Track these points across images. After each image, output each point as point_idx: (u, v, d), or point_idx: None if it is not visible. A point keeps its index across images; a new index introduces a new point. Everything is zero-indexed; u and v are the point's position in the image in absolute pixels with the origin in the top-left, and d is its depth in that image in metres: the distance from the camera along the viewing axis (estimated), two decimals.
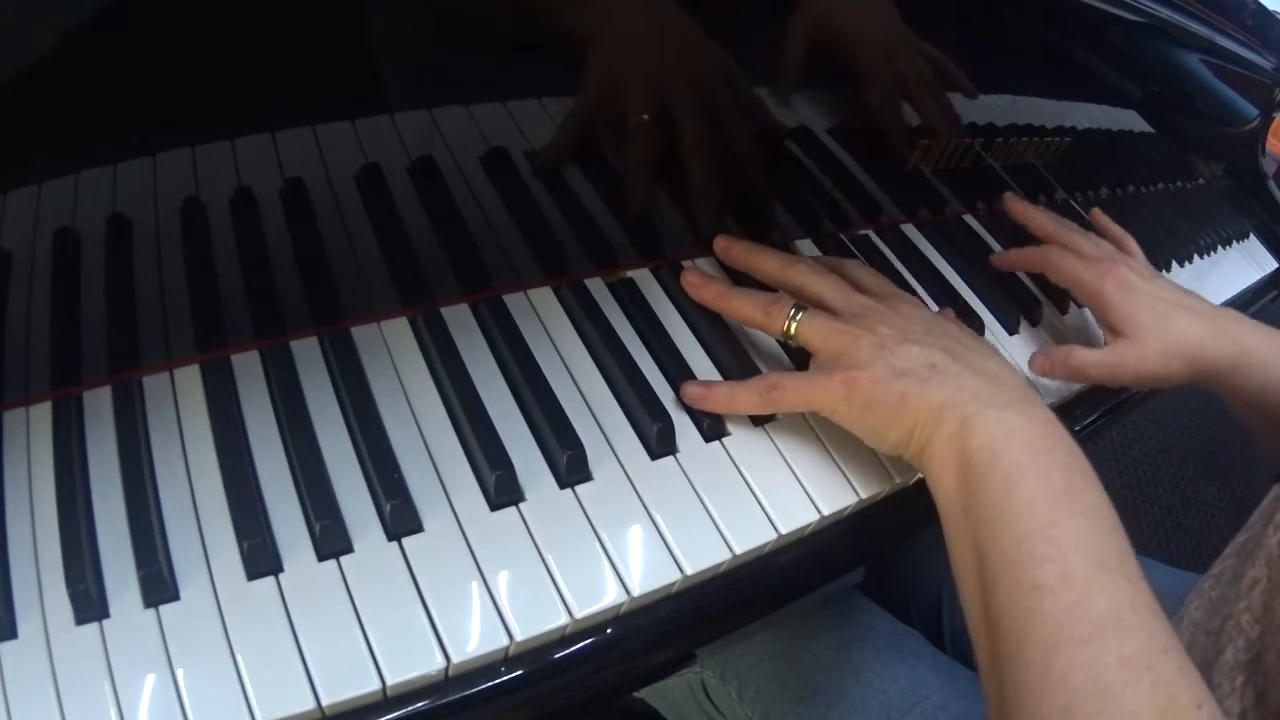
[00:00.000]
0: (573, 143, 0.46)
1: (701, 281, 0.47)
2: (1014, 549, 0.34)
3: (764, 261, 0.47)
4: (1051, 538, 0.34)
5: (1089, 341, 0.60)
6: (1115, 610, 0.32)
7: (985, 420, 0.37)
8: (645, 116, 0.45)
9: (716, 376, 0.46)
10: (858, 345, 0.41)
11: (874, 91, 0.56)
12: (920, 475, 0.44)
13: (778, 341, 0.47)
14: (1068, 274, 0.55)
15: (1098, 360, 0.52)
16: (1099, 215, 0.64)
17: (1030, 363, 0.54)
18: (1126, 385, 0.55)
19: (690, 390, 0.43)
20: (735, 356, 0.47)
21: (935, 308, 0.55)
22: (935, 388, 0.39)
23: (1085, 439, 0.59)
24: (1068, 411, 0.58)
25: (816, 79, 0.54)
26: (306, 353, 0.41)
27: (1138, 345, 0.51)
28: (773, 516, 0.41)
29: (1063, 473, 0.36)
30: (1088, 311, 0.64)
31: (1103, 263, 0.55)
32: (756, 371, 0.46)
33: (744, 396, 0.42)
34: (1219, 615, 0.44)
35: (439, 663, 0.33)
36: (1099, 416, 0.60)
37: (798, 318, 0.43)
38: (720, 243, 0.50)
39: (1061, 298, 0.63)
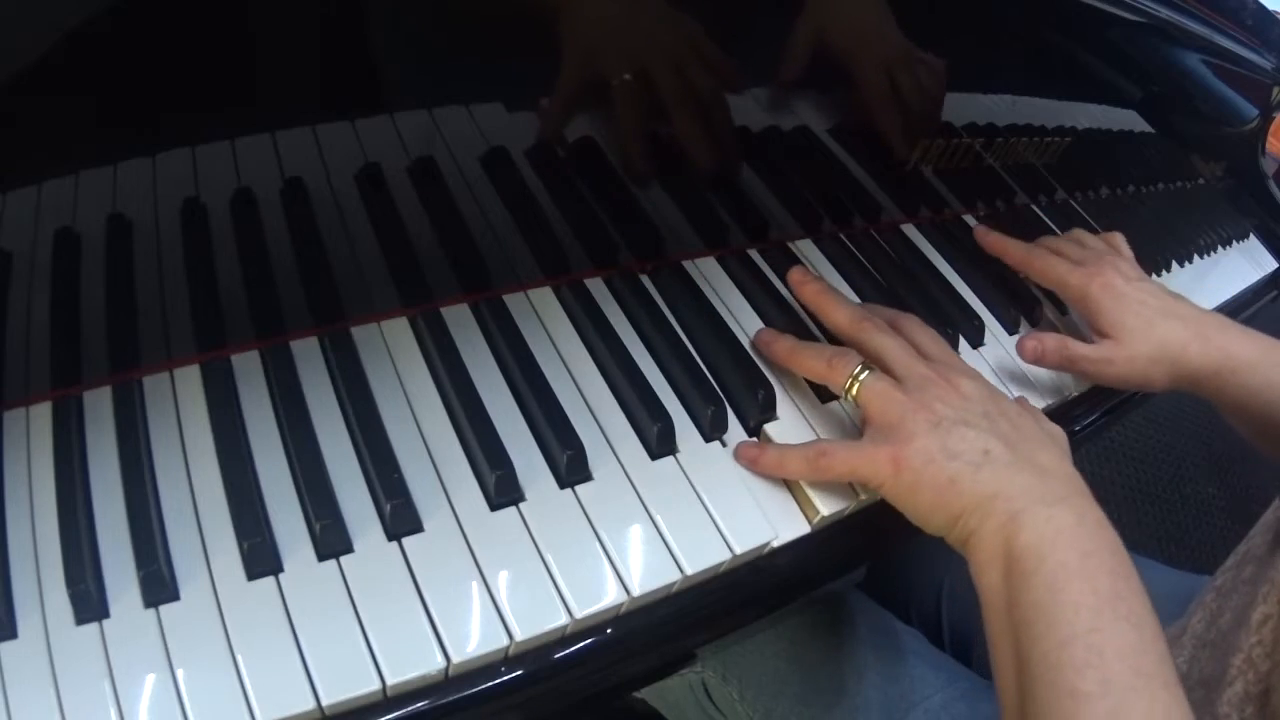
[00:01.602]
0: (564, 118, 0.45)
1: (772, 338, 0.47)
2: (1055, 653, 0.33)
3: (834, 311, 0.47)
4: (1094, 644, 0.33)
5: (1087, 340, 0.60)
6: (1157, 711, 0.32)
7: (1034, 517, 0.36)
8: (626, 76, 0.44)
9: (716, 380, 0.46)
10: (915, 420, 0.40)
11: (868, 98, 0.56)
12: None
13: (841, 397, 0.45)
14: (1052, 276, 0.55)
15: (1085, 354, 0.52)
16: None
17: (1019, 346, 0.54)
18: (1111, 385, 0.55)
19: (745, 451, 0.43)
20: (735, 357, 0.47)
21: (946, 299, 0.56)
22: (987, 476, 0.38)
23: (1085, 439, 0.59)
24: (1067, 411, 0.58)
25: (817, 80, 0.54)
26: (306, 353, 0.41)
27: (1122, 347, 0.52)
28: (771, 517, 0.41)
29: (1109, 577, 0.35)
30: None
31: (1089, 266, 0.54)
32: (759, 375, 0.46)
33: (794, 462, 0.42)
34: (1215, 628, 0.44)
35: (439, 663, 0.33)
36: (1099, 416, 0.60)
37: (861, 378, 0.42)
38: (795, 275, 0.50)
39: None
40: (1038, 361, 0.54)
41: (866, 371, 0.42)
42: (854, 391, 0.42)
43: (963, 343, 0.55)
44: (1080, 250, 0.57)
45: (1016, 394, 0.54)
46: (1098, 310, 0.53)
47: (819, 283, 0.49)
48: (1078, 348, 0.53)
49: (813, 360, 0.44)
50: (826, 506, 0.42)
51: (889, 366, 0.43)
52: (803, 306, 0.50)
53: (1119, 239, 0.61)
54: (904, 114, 0.58)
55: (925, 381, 0.42)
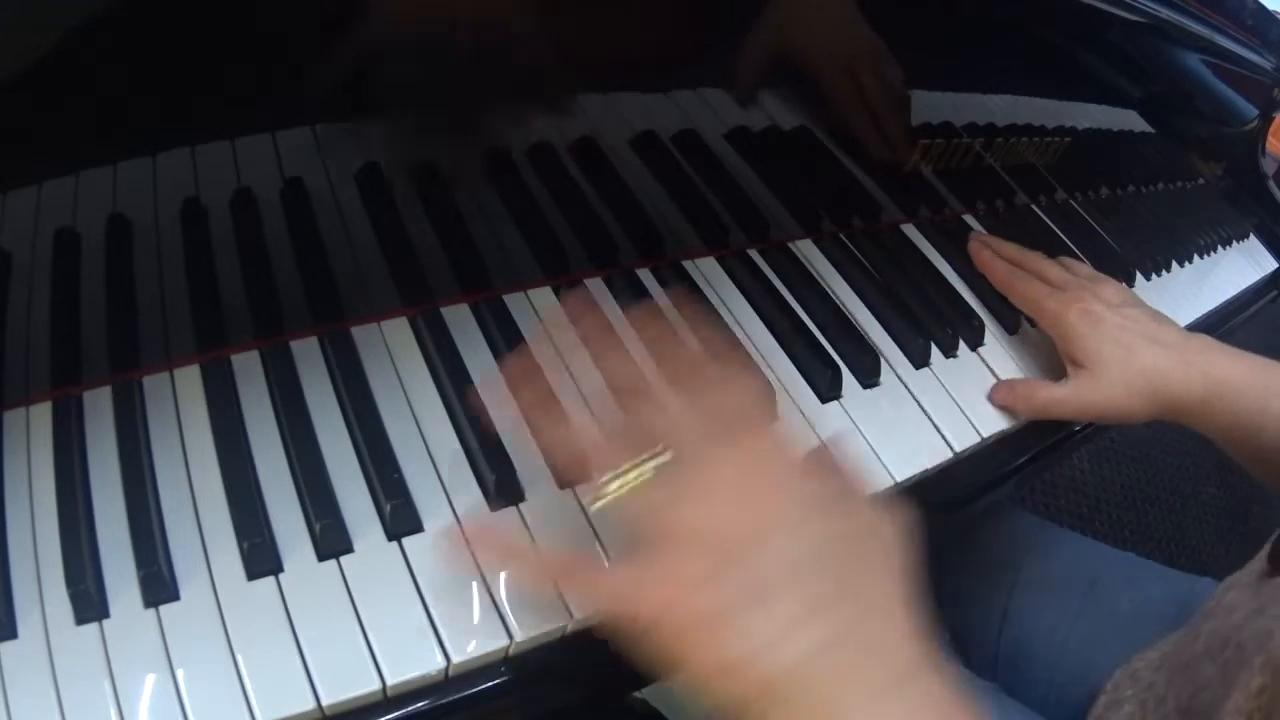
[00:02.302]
0: None
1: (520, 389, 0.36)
2: None
3: (612, 364, 0.35)
4: None
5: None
6: None
7: (854, 714, 0.28)
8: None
9: None
10: (693, 566, 0.30)
11: (834, 101, 0.55)
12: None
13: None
14: (1030, 299, 0.53)
15: (1061, 398, 0.50)
16: None
17: (990, 393, 0.52)
18: (1091, 421, 0.52)
19: (451, 532, 0.35)
20: (736, 359, 0.47)
21: (945, 293, 0.55)
22: (798, 659, 0.28)
23: (1085, 440, 0.59)
24: None
25: (815, 81, 0.54)
26: (306, 353, 0.41)
27: (1099, 379, 0.49)
28: None
29: None
30: None
31: (1068, 290, 0.52)
32: (762, 379, 0.46)
33: (537, 572, 0.34)
34: (1190, 651, 0.41)
35: (439, 663, 0.33)
36: None
37: (612, 487, 0.31)
38: (569, 305, 0.38)
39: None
40: (1008, 409, 0.51)
41: (623, 484, 0.31)
42: (621, 493, 0.31)
43: (962, 344, 0.55)
44: (1063, 274, 0.54)
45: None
46: (1073, 337, 0.50)
47: (593, 317, 0.37)
48: (1051, 392, 0.50)
49: (608, 453, 0.33)
50: None
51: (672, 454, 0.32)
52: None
53: (1098, 274, 0.58)
54: (881, 116, 0.57)
55: (730, 487, 0.31)
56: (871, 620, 0.30)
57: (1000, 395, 0.52)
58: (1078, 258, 0.62)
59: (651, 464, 0.31)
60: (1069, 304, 0.51)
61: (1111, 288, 0.54)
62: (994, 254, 0.58)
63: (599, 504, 0.31)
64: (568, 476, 0.35)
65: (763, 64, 0.50)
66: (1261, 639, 0.36)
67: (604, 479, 0.31)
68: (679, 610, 0.29)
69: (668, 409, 0.32)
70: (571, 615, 0.35)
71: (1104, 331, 0.49)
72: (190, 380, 0.39)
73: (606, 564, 0.34)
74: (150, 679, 0.30)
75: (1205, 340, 0.51)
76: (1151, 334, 0.50)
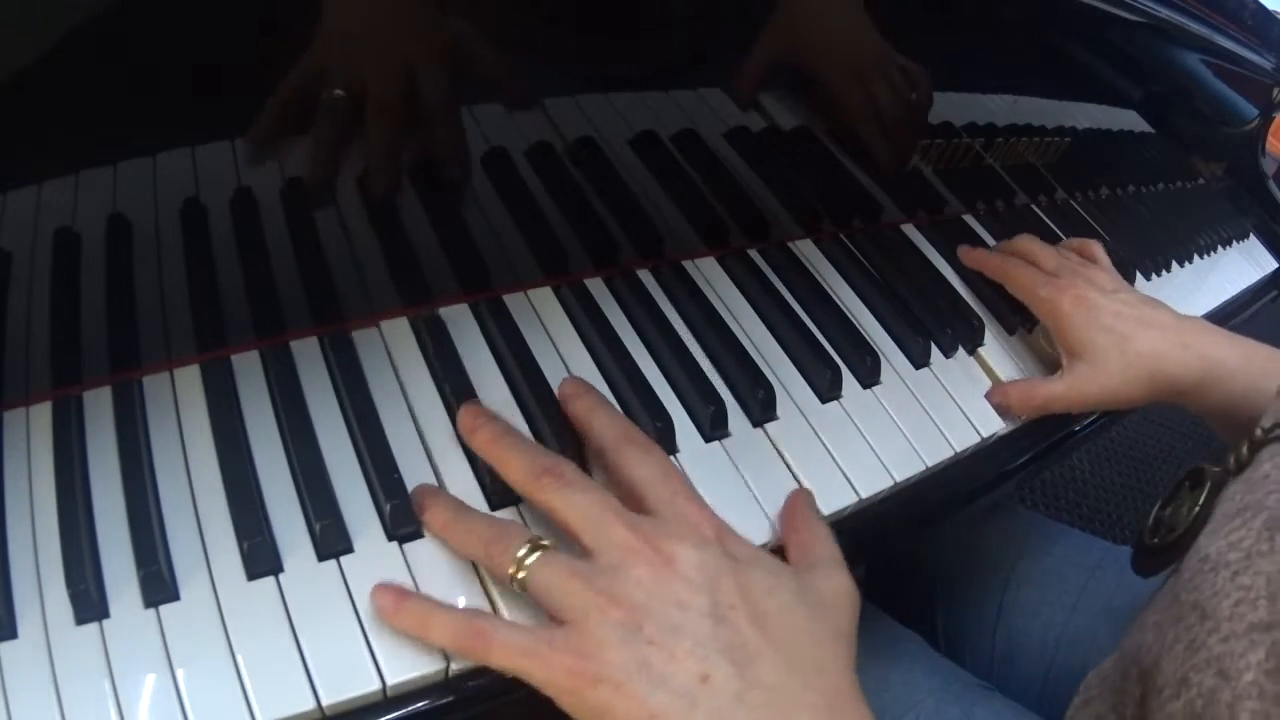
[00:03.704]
0: None
1: (431, 502, 0.36)
2: None
3: (509, 465, 0.35)
4: None
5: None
6: None
7: None
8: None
9: (716, 377, 0.46)
10: (602, 622, 0.30)
11: (843, 108, 0.55)
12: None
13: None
14: (1024, 287, 0.53)
15: (1059, 393, 0.50)
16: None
17: (988, 396, 0.52)
18: (1089, 411, 0.52)
19: (379, 595, 0.33)
20: (735, 357, 0.47)
21: (949, 295, 0.55)
22: (701, 715, 0.28)
23: (1085, 439, 0.59)
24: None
25: (814, 82, 0.54)
26: (306, 353, 0.41)
27: (1095, 368, 0.49)
28: (771, 517, 0.41)
29: None
30: None
31: (1062, 278, 0.52)
32: (756, 372, 0.46)
33: (440, 630, 0.32)
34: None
35: (439, 663, 0.33)
36: (1099, 416, 0.60)
37: (528, 563, 0.32)
38: (465, 421, 0.38)
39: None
40: (1005, 410, 0.51)
41: (535, 554, 0.32)
42: (521, 579, 0.32)
43: (962, 345, 0.55)
44: (1055, 260, 0.54)
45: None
46: (1068, 326, 0.50)
47: (492, 426, 0.37)
48: (1048, 389, 0.50)
49: (470, 542, 0.34)
50: (826, 505, 0.42)
51: (577, 536, 0.33)
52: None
53: (1096, 248, 0.58)
54: (891, 124, 0.57)
55: (626, 558, 0.31)
56: (793, 678, 0.30)
57: (998, 398, 0.52)
58: (1091, 242, 0.61)
59: (535, 556, 0.32)
60: (1062, 291, 0.51)
61: (1105, 273, 0.54)
62: (983, 254, 0.58)
63: (520, 578, 0.32)
64: (487, 566, 0.34)
65: (769, 68, 0.50)
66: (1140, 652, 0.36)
67: (518, 558, 0.32)
68: (583, 673, 0.29)
69: (583, 487, 0.33)
70: None
71: (1098, 319, 0.49)
72: (190, 380, 0.39)
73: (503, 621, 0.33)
74: (150, 679, 0.30)
75: (1199, 321, 0.51)
76: (1146, 318, 0.50)
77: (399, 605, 0.32)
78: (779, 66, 0.51)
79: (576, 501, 0.33)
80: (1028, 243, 0.57)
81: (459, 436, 0.39)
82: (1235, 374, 0.48)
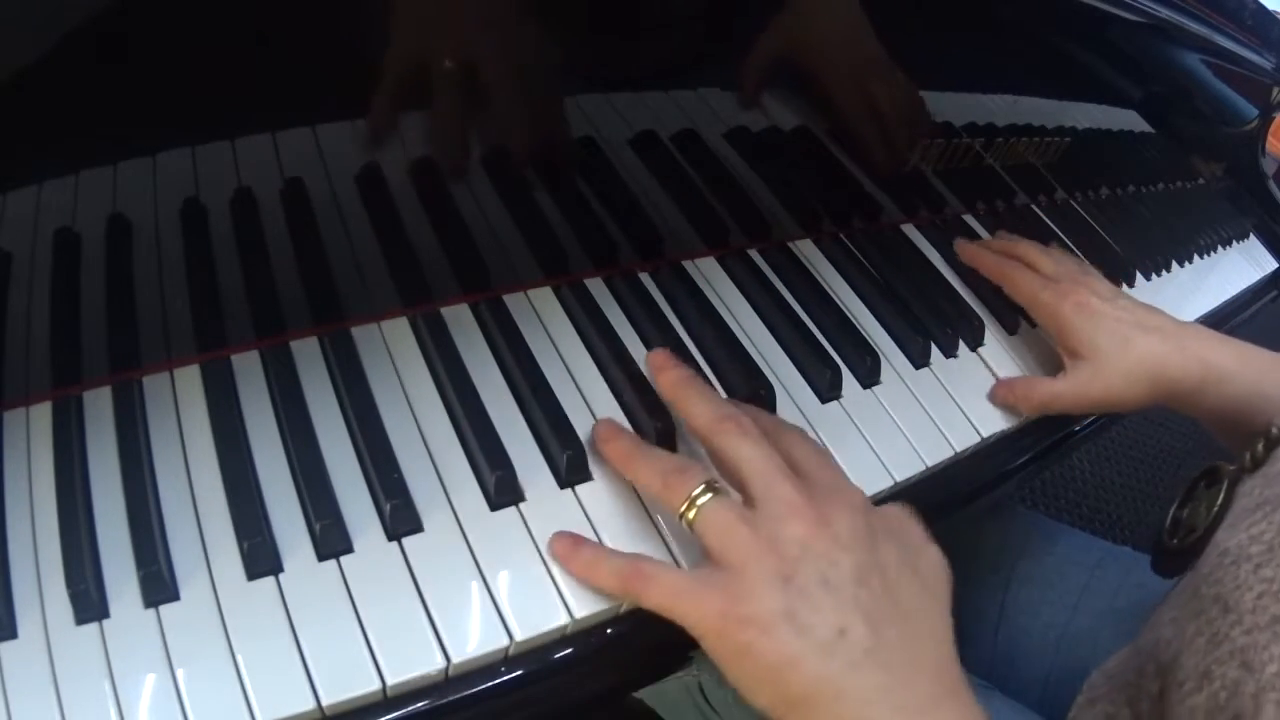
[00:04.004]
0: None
1: (610, 435, 0.39)
2: None
3: (694, 406, 0.38)
4: None
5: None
6: None
7: None
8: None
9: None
10: (760, 569, 0.32)
11: (844, 106, 0.56)
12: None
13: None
14: (1025, 291, 0.54)
15: (1060, 391, 0.51)
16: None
17: (990, 393, 0.52)
18: (1090, 412, 0.53)
19: (557, 542, 0.36)
20: (734, 357, 0.47)
21: (947, 295, 0.55)
22: (838, 667, 0.30)
23: (1085, 439, 0.59)
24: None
25: (815, 83, 0.54)
26: (306, 353, 0.41)
27: (1098, 370, 0.50)
28: None
29: None
30: None
31: (1062, 283, 0.53)
32: (756, 371, 0.46)
33: (604, 573, 0.35)
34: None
35: (439, 663, 0.33)
36: (1099, 417, 0.60)
37: (700, 502, 0.34)
38: (656, 358, 0.41)
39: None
40: (1008, 406, 0.52)
41: (709, 495, 0.34)
42: (691, 517, 0.34)
43: (962, 344, 0.55)
44: (1054, 265, 0.55)
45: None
46: (1070, 330, 0.51)
47: (680, 370, 0.40)
48: (1050, 387, 0.51)
49: (648, 473, 0.36)
50: None
51: (746, 484, 0.35)
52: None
53: (1085, 264, 0.59)
54: (891, 125, 0.57)
55: (788, 513, 0.33)
56: (915, 644, 0.32)
57: (1000, 394, 0.52)
58: (1077, 257, 0.62)
59: (700, 495, 0.34)
60: (1064, 297, 0.51)
61: (1101, 281, 0.55)
62: (980, 246, 0.58)
63: (689, 516, 0.34)
64: (661, 497, 0.37)
65: (769, 69, 0.50)
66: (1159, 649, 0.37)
67: (692, 496, 0.34)
68: (732, 615, 0.32)
69: (759, 440, 0.36)
70: (571, 615, 0.35)
71: (1099, 323, 0.50)
72: (190, 380, 0.39)
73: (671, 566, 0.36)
74: (150, 679, 0.30)
75: (1197, 327, 0.52)
76: (1145, 322, 0.50)
77: (574, 551, 0.36)
78: (781, 65, 0.51)
79: (752, 453, 0.35)
80: (1026, 248, 0.57)
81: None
82: (1233, 377, 0.49)
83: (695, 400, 0.38)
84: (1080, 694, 0.42)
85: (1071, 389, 0.50)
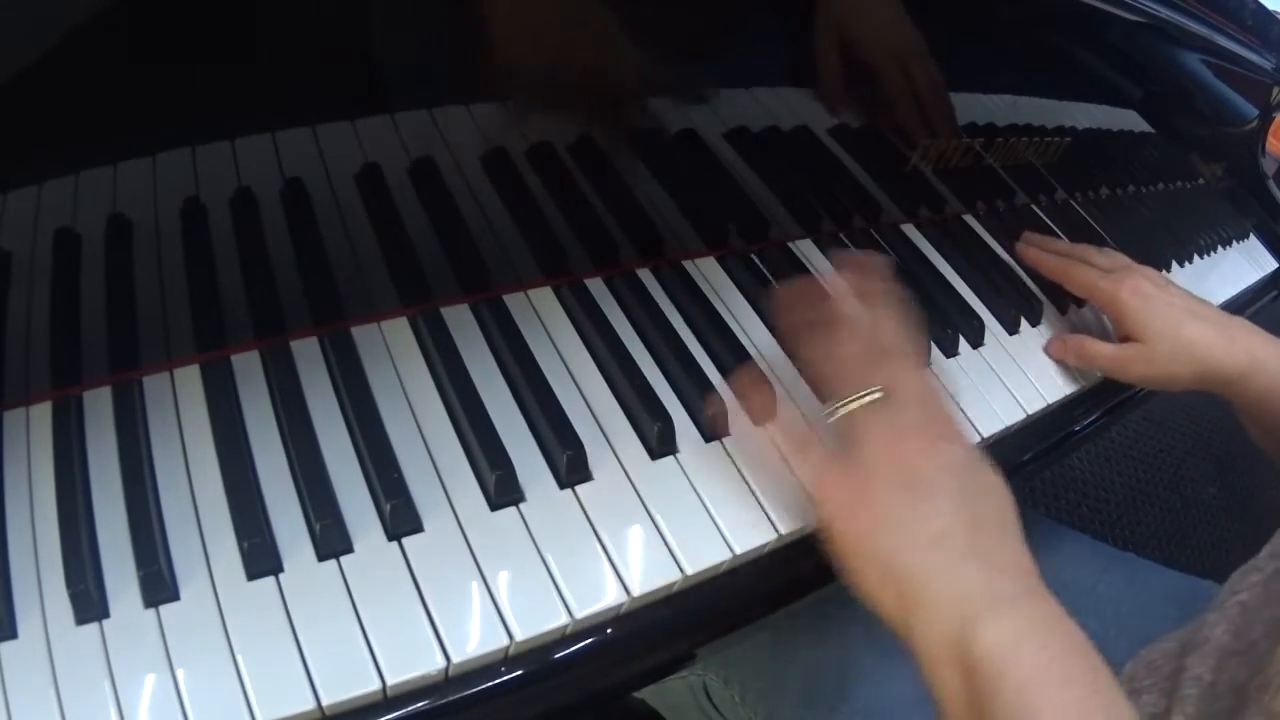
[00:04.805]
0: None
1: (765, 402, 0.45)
2: None
3: (846, 344, 0.45)
4: None
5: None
6: None
7: (989, 623, 0.34)
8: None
9: (716, 377, 0.46)
10: (889, 471, 0.38)
11: (884, 94, 0.57)
12: None
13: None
14: (1084, 284, 0.58)
15: (1109, 354, 0.55)
16: None
17: (1046, 347, 0.58)
18: (1133, 383, 0.57)
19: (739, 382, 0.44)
20: (735, 357, 0.47)
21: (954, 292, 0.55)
22: (940, 561, 0.36)
23: (1085, 439, 0.59)
24: (1068, 411, 0.58)
25: (821, 79, 0.54)
26: (306, 353, 0.41)
27: (1149, 350, 0.54)
28: (773, 517, 0.41)
29: (1080, 671, 0.34)
30: (1087, 312, 0.64)
31: (1118, 273, 0.56)
32: (759, 374, 0.46)
33: (785, 432, 0.43)
34: (1244, 639, 0.44)
35: (439, 663, 0.33)
36: (1099, 416, 0.60)
37: (865, 400, 0.40)
38: (839, 258, 0.51)
39: (1062, 298, 0.63)
40: (1061, 358, 0.57)
41: (877, 396, 0.40)
42: (852, 409, 0.40)
43: (963, 343, 0.55)
44: (1108, 259, 0.59)
45: (1015, 392, 0.54)
46: (1126, 314, 0.55)
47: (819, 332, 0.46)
48: (1099, 346, 0.56)
49: (837, 368, 0.43)
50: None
51: (901, 397, 0.41)
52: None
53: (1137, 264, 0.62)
54: (921, 107, 0.59)
55: (914, 436, 0.39)
56: (1002, 551, 0.37)
57: (1054, 347, 0.58)
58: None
59: (869, 397, 0.40)
60: (1120, 283, 0.55)
61: (1153, 272, 0.58)
62: (1040, 249, 0.62)
63: (835, 417, 0.41)
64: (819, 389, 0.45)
65: (835, 60, 0.53)
66: None
67: (864, 392, 0.40)
68: (859, 503, 0.38)
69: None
70: (571, 615, 0.35)
71: (1154, 308, 0.54)
72: (190, 380, 0.39)
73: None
74: (150, 679, 0.30)
75: (1245, 321, 0.55)
76: (1196, 311, 0.54)
77: (770, 418, 0.43)
78: (840, 58, 0.53)
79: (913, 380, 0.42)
80: (1080, 248, 0.62)
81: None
82: (1276, 373, 0.52)
83: (845, 343, 0.44)
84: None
85: (1119, 354, 0.55)
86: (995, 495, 0.39)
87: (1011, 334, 0.58)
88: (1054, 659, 0.34)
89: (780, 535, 0.41)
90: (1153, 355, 0.53)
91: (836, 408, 0.41)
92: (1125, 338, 0.56)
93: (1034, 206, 0.74)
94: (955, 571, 0.36)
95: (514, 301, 0.46)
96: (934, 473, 0.38)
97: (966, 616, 0.34)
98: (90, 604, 0.31)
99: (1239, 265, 0.93)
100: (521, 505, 0.38)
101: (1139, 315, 0.54)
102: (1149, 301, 0.54)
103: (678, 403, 0.44)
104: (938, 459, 0.39)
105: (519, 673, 0.35)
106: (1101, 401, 0.60)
